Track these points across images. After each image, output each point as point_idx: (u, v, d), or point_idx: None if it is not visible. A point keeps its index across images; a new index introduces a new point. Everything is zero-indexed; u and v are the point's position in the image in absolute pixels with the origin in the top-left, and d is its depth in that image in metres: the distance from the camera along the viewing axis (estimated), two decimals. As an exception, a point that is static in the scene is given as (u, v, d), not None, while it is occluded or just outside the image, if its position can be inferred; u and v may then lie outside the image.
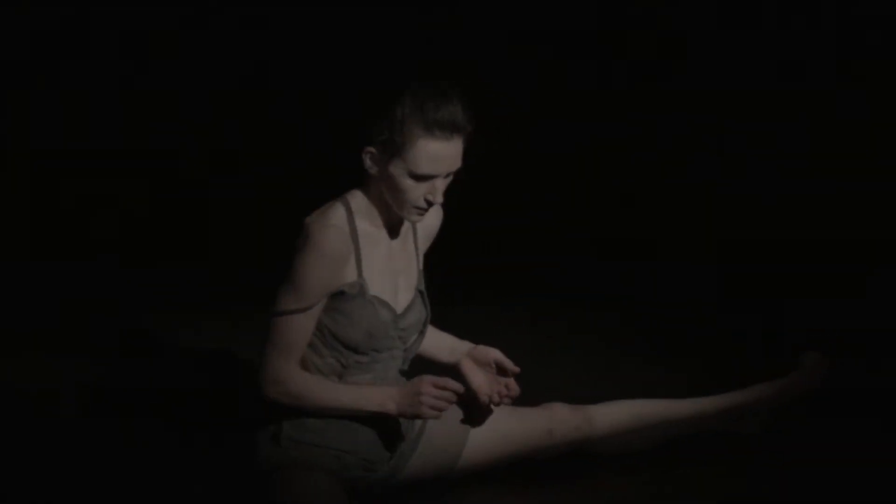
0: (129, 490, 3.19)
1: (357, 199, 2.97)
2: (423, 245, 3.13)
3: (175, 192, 5.75)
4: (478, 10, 5.83)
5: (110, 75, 5.85)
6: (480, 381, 3.11)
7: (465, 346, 3.17)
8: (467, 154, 2.92)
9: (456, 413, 3.14)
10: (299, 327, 2.91)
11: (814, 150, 5.46)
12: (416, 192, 2.89)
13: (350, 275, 2.93)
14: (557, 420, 3.21)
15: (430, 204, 2.91)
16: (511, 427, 3.19)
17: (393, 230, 3.02)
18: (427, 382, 2.90)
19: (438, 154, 2.86)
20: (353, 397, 2.94)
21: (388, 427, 3.05)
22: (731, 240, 5.27)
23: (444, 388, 2.89)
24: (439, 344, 3.19)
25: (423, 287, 3.08)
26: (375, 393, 2.95)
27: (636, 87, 5.78)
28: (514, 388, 3.08)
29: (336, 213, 2.93)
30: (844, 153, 5.41)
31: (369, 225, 2.97)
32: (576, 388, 3.65)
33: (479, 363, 3.12)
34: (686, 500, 3.13)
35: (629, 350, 4.22)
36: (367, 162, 2.92)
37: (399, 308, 3.01)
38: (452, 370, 3.13)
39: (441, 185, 2.90)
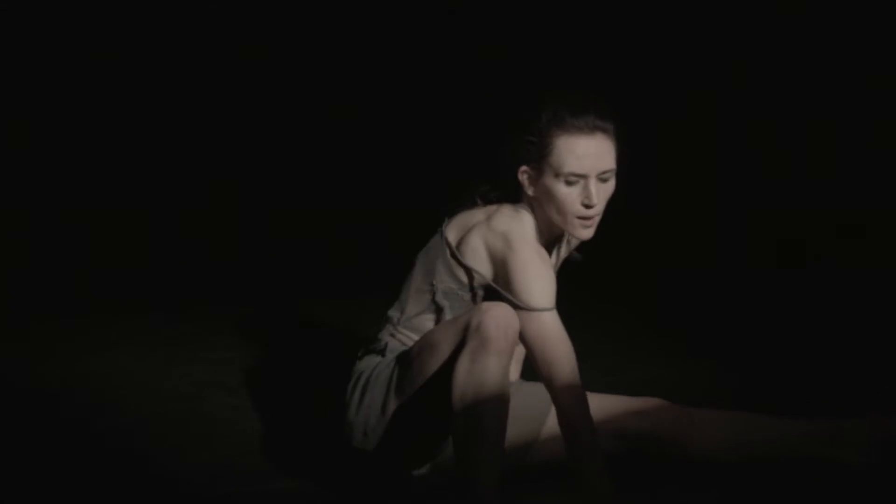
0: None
1: (529, 213, 3.01)
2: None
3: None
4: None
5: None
6: None
7: None
8: (620, 161, 2.96)
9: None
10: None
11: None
12: (570, 197, 2.92)
13: None
14: (653, 405, 3.13)
15: (588, 208, 2.90)
16: (602, 400, 3.11)
17: (549, 250, 3.04)
18: None
19: (583, 150, 2.90)
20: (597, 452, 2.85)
21: None
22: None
23: None
24: None
25: None
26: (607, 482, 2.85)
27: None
28: None
29: (526, 217, 2.98)
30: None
31: (538, 239, 3.01)
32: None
33: None
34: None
35: (637, 349, 4.25)
36: (525, 182, 2.96)
37: None
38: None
39: (595, 187, 2.91)
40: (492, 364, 2.74)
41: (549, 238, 3.03)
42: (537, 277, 2.88)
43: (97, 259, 5.39)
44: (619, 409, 3.09)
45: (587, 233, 2.95)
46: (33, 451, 3.32)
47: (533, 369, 2.93)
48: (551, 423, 3.06)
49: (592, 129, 2.90)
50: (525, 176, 2.96)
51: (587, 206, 2.90)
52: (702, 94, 5.57)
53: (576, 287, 3.35)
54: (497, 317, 2.75)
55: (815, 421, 3.12)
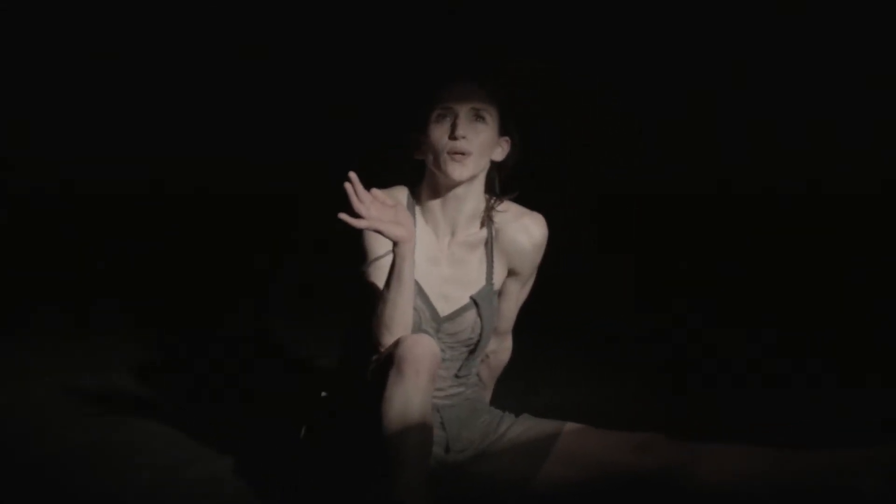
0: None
1: (416, 190, 3.07)
2: (507, 260, 3.11)
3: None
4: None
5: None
6: None
7: None
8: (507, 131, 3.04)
9: (546, 427, 3.09)
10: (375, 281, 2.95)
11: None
12: (439, 131, 2.97)
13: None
14: (653, 440, 2.99)
15: (454, 140, 2.94)
16: (599, 435, 3.05)
17: (448, 233, 3.06)
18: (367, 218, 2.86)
19: (453, 88, 2.98)
20: (390, 277, 2.90)
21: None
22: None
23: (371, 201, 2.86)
24: None
25: (481, 299, 3.05)
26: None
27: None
28: None
29: (400, 190, 3.04)
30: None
31: (423, 218, 3.04)
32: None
33: None
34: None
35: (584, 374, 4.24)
36: (414, 144, 3.02)
37: (442, 312, 3.02)
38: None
39: (464, 120, 2.95)
40: (407, 387, 2.74)
41: (444, 212, 3.05)
42: (363, 241, 2.97)
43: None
44: (621, 447, 2.98)
45: (457, 169, 2.97)
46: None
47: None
48: (551, 461, 3.02)
49: (463, 78, 2.99)
50: (413, 139, 3.03)
51: (453, 139, 2.95)
52: (702, 94, 5.56)
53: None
54: (415, 342, 2.78)
55: (828, 451, 2.92)
